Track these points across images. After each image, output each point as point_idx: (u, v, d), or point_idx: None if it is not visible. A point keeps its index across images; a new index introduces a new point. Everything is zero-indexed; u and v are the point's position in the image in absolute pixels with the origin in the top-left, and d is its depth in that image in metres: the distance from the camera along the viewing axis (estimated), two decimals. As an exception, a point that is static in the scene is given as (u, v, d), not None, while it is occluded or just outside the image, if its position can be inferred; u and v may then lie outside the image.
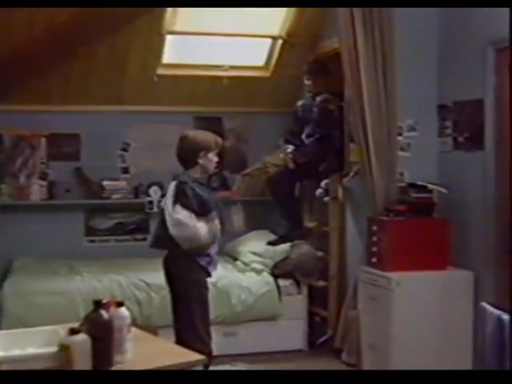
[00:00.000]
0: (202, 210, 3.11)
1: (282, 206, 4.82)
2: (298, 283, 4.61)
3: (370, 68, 3.86)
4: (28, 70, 4.47)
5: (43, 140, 5.03)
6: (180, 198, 3.12)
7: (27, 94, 4.80)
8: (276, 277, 4.57)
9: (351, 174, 4.24)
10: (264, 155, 5.04)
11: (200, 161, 3.17)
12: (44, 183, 5.02)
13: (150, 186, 5.18)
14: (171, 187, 3.22)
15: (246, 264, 4.64)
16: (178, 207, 3.13)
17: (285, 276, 4.57)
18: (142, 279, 4.36)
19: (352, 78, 3.88)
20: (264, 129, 5.35)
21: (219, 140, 3.29)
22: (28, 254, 4.86)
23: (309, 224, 4.95)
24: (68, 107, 5.02)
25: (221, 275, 4.27)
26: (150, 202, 5.17)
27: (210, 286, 3.42)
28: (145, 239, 5.24)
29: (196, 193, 3.10)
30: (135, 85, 4.98)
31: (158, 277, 3.77)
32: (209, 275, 3.22)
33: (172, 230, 3.12)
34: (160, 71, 4.99)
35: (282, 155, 4.74)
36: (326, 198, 4.57)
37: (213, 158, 3.24)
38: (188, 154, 3.17)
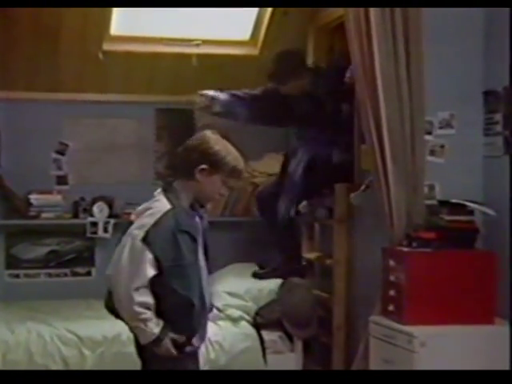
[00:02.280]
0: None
1: (273, 229, 4.79)
2: (289, 337, 4.55)
3: (387, 41, 3.75)
4: None
5: None
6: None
7: None
8: (259, 328, 4.51)
9: (362, 187, 4.12)
10: (250, 161, 5.03)
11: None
12: None
13: (94, 201, 5.12)
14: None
15: (218, 310, 4.56)
16: None
17: (272, 327, 4.53)
18: (73, 331, 4.29)
19: (361, 54, 3.78)
20: (249, 127, 5.22)
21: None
22: None
23: (308, 255, 4.89)
24: None
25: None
26: (94, 224, 5.08)
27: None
28: (88, 273, 5.26)
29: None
30: (73, 65, 4.94)
31: (98, 327, 3.88)
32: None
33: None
34: (107, 46, 4.94)
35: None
36: (330, 220, 4.49)
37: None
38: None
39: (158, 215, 2.68)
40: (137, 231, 2.66)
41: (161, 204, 2.74)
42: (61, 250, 5.17)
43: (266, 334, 4.46)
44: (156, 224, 2.65)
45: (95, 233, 5.04)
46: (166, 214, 2.68)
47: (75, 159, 5.19)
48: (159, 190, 2.86)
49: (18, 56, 4.80)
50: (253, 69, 5.12)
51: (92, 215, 5.04)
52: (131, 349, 4.20)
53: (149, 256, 2.61)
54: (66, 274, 5.17)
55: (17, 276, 5.12)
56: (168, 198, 2.77)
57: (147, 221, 2.67)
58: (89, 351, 4.14)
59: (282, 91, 4.57)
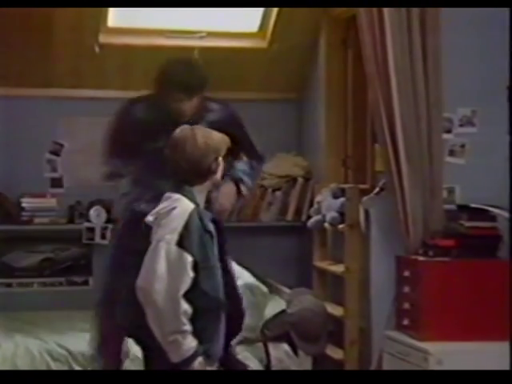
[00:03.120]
0: None
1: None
2: (297, 352, 4.45)
3: (402, 33, 3.80)
4: None
5: None
6: None
7: None
8: (265, 342, 4.35)
9: (376, 189, 4.12)
10: None
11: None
12: None
13: (91, 205, 5.05)
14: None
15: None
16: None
17: (278, 341, 4.42)
18: (63, 345, 4.24)
19: (373, 47, 3.81)
20: (259, 124, 5.11)
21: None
22: None
23: (318, 263, 4.85)
24: None
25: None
26: (91, 230, 5.02)
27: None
28: (85, 283, 5.19)
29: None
30: (67, 59, 4.88)
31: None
32: None
33: None
34: (104, 39, 4.90)
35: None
36: (342, 226, 4.41)
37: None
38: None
39: (186, 216, 2.69)
40: (169, 236, 2.66)
41: (183, 204, 2.74)
42: (56, 258, 5.11)
43: (272, 349, 4.34)
44: (187, 226, 2.67)
45: (92, 239, 4.99)
46: (192, 214, 2.70)
47: (71, 160, 5.10)
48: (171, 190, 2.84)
49: (7, 49, 4.71)
50: (262, 63, 5.14)
51: (88, 220, 4.98)
52: (125, 365, 4.21)
53: (189, 259, 2.64)
54: (61, 283, 5.10)
55: (9, 285, 5.06)
56: (187, 197, 2.77)
57: (177, 223, 2.68)
58: (80, 367, 4.10)
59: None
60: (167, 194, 2.82)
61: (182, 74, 3.48)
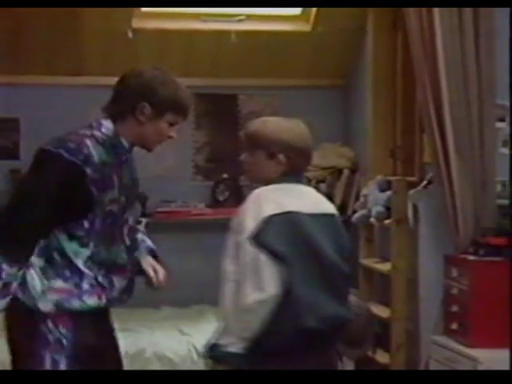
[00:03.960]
0: None
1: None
2: (340, 357, 4.14)
3: (451, 15, 3.70)
4: None
5: None
6: None
7: None
8: None
9: (423, 183, 4.03)
10: None
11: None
12: None
13: None
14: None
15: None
16: None
17: None
18: None
19: (420, 29, 3.73)
20: (303, 112, 5.01)
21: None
22: None
23: (364, 261, 4.77)
24: None
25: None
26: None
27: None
28: None
29: None
30: (99, 45, 4.91)
31: (120, 342, 3.50)
32: None
33: None
34: (137, 23, 4.91)
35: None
36: (388, 221, 4.33)
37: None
38: None
39: None
40: None
41: None
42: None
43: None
44: None
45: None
46: None
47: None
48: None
49: (37, 37, 4.79)
50: (305, 48, 5.10)
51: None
52: (156, 366, 4.18)
53: None
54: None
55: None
56: None
57: None
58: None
59: None
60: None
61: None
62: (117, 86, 2.59)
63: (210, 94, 5.22)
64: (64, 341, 2.45)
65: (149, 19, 4.90)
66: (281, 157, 2.63)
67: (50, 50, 4.87)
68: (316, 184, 5.06)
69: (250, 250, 2.48)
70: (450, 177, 3.68)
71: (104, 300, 2.51)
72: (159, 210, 4.91)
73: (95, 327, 2.50)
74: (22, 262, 2.44)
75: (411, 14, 3.71)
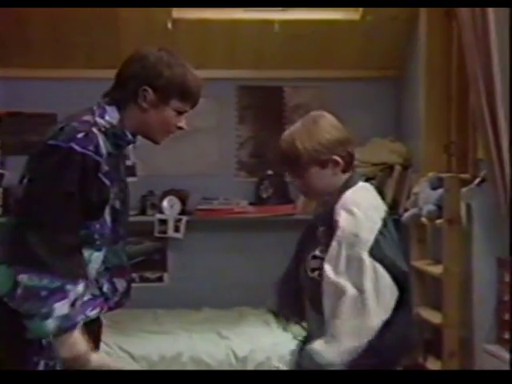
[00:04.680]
0: None
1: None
2: None
3: None
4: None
5: None
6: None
7: None
8: None
9: (476, 180, 3.93)
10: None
11: None
12: None
13: (164, 195, 5.03)
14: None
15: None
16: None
17: None
18: (125, 348, 4.27)
19: (471, 15, 3.60)
20: (352, 105, 5.25)
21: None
22: None
23: (416, 262, 4.64)
24: (36, 72, 4.98)
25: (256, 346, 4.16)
26: (163, 222, 4.99)
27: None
28: (159, 279, 5.23)
29: None
30: (137, 37, 4.81)
31: (157, 345, 3.85)
32: None
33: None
34: (177, 13, 4.88)
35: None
36: (439, 221, 4.22)
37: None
38: None
39: None
40: None
41: None
42: (128, 252, 5.01)
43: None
44: None
45: (165, 232, 4.95)
46: None
47: (144, 147, 5.00)
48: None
49: (74, 28, 4.79)
50: (353, 37, 5.02)
51: (161, 211, 4.95)
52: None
53: None
54: (133, 280, 5.00)
55: (77, 281, 5.10)
56: None
57: None
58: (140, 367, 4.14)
59: None
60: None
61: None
62: (119, 70, 2.44)
63: (253, 87, 5.21)
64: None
65: (189, 9, 4.83)
66: (334, 159, 2.53)
67: (88, 43, 4.88)
68: (366, 181, 5.00)
69: (370, 265, 2.40)
70: (503, 174, 3.55)
71: (105, 309, 2.42)
72: (200, 207, 4.88)
73: (88, 330, 2.35)
74: (84, 275, 2.24)
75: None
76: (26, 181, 2.29)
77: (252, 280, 4.80)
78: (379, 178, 5.01)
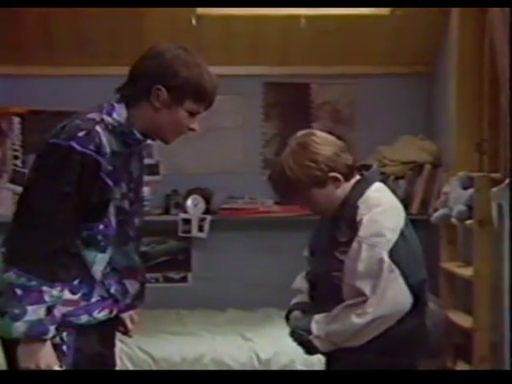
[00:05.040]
0: None
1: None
2: None
3: None
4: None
5: (17, 121, 5.02)
6: None
7: None
8: None
9: (506, 180, 3.79)
10: (380, 145, 4.98)
11: None
12: (19, 189, 4.74)
13: (188, 194, 5.01)
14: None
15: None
16: None
17: None
18: (146, 350, 4.24)
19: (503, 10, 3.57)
20: (380, 102, 5.25)
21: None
22: None
23: (446, 264, 4.63)
24: (57, 69, 5.00)
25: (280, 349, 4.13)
26: (187, 221, 4.97)
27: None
28: (183, 279, 5.22)
29: None
30: (161, 33, 4.82)
31: (178, 347, 3.83)
32: None
33: None
34: (201, 10, 4.85)
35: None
36: (470, 222, 4.17)
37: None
38: None
39: None
40: None
41: None
42: (151, 252, 5.08)
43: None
44: None
45: (188, 232, 4.93)
46: None
47: (168, 145, 5.06)
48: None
49: (97, 25, 4.79)
50: (382, 32, 4.96)
51: (185, 211, 4.93)
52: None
53: None
54: (157, 280, 5.12)
55: (101, 281, 5.11)
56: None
57: None
58: (161, 376, 4.07)
59: None
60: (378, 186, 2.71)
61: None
62: (133, 66, 2.39)
63: (279, 83, 5.17)
64: (66, 348, 2.28)
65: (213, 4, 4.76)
66: (332, 176, 2.53)
67: (112, 39, 4.87)
68: (395, 180, 4.94)
69: (388, 267, 2.43)
70: (535, 174, 3.47)
71: (115, 312, 2.39)
72: (224, 206, 4.85)
73: (100, 334, 2.35)
74: (64, 279, 2.23)
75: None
76: (26, 178, 2.31)
77: (278, 280, 4.74)
78: (409, 177, 4.97)
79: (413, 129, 5.05)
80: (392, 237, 2.46)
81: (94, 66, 4.96)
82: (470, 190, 4.14)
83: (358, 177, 2.63)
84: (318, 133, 2.61)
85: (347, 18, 4.87)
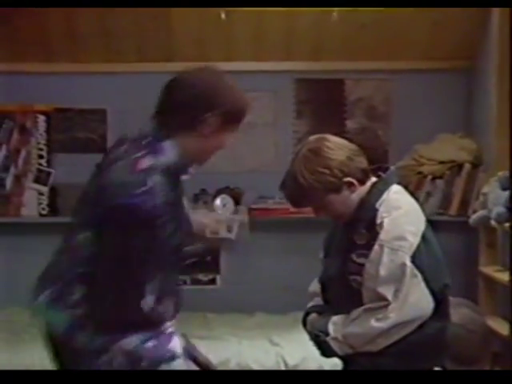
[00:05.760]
0: None
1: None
2: None
3: None
4: (11, 10, 4.52)
5: (42, 119, 5.04)
6: None
7: (12, 44, 4.87)
8: None
9: None
10: (416, 144, 4.94)
11: None
12: (44, 189, 4.98)
13: (217, 194, 4.97)
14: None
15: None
16: None
17: None
18: None
19: None
20: (417, 98, 5.21)
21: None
22: (16, 302, 4.81)
23: (484, 268, 4.56)
24: (84, 66, 5.05)
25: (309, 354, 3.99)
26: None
27: None
28: (212, 281, 5.23)
29: None
30: (190, 29, 4.93)
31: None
32: None
33: None
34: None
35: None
36: (508, 224, 4.10)
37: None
38: None
39: None
40: None
41: None
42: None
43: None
44: None
45: (216, 232, 4.83)
46: None
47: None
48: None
49: (124, 21, 4.82)
50: (420, 25, 4.91)
51: (213, 210, 4.85)
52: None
53: None
54: (185, 282, 5.07)
55: (127, 283, 5.11)
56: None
57: None
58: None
59: None
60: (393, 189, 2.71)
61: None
62: (169, 97, 2.38)
63: (312, 80, 5.14)
64: None
65: (244, -1, 4.84)
66: (346, 181, 2.54)
67: (139, 35, 4.91)
68: (432, 180, 4.89)
69: (411, 272, 2.43)
70: None
71: None
72: (253, 206, 4.81)
73: None
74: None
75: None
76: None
77: (308, 284, 4.71)
78: (447, 177, 4.91)
79: (451, 126, 4.99)
80: (414, 241, 2.45)
81: (121, 63, 4.99)
82: (510, 191, 4.08)
83: (374, 179, 2.62)
84: (330, 137, 2.59)
85: (382, 10, 4.76)
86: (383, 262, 2.44)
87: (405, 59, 5.06)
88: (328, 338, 2.57)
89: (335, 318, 2.56)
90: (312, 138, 2.62)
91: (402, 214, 2.49)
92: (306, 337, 4.26)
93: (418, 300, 2.46)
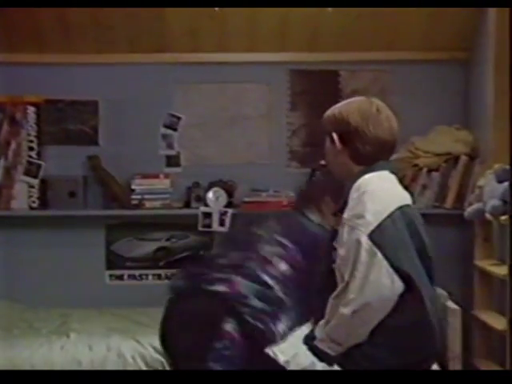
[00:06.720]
0: None
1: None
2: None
3: None
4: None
5: (32, 110, 5.03)
6: None
7: (2, 35, 4.83)
8: None
9: None
10: (412, 136, 4.96)
11: None
12: (34, 182, 4.98)
13: (210, 187, 5.03)
14: None
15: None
16: None
17: None
18: (160, 349, 4.04)
19: None
20: (414, 90, 5.21)
21: None
22: (4, 297, 4.87)
23: (480, 262, 4.59)
24: (75, 57, 5.03)
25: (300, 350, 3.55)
26: (208, 215, 4.96)
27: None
28: None
29: None
30: (183, 19, 4.89)
31: None
32: None
33: None
34: None
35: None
36: (504, 217, 4.10)
37: None
38: None
39: None
40: None
41: None
42: (172, 247, 5.11)
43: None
44: None
45: (209, 226, 4.94)
46: None
47: (189, 135, 5.13)
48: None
49: (116, 11, 4.78)
50: (416, 15, 4.91)
51: (206, 204, 4.94)
52: None
53: None
54: None
55: (120, 277, 5.14)
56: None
57: None
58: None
59: None
60: None
61: None
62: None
63: (307, 71, 5.15)
64: None
65: (237, -12, 4.83)
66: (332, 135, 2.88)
67: (132, 26, 4.89)
68: (428, 173, 4.93)
69: (368, 248, 2.45)
70: None
71: None
72: (246, 199, 4.86)
73: None
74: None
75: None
76: None
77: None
78: (443, 170, 4.95)
79: (448, 118, 5.02)
80: (373, 219, 2.46)
81: (112, 54, 4.98)
82: (505, 184, 4.09)
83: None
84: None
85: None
86: (343, 241, 2.49)
87: (401, 50, 5.08)
88: (316, 341, 2.60)
89: (321, 322, 2.60)
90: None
91: (365, 193, 2.52)
92: (297, 333, 4.33)
93: (378, 278, 2.43)
